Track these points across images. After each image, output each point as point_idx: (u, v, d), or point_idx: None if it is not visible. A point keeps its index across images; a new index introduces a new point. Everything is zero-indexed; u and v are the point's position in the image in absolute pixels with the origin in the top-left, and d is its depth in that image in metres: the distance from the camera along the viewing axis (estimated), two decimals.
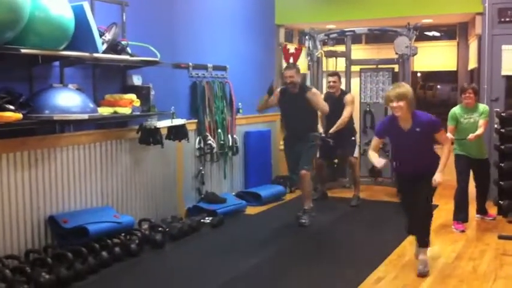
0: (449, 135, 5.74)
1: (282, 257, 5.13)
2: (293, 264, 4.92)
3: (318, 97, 6.17)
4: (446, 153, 4.56)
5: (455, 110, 5.92)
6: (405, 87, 4.52)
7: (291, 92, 6.08)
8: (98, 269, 4.53)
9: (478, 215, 6.31)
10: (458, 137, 5.85)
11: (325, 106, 6.14)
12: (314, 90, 6.27)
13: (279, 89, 6.29)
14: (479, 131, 5.74)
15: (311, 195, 6.28)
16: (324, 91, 8.13)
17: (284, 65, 8.77)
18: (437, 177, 4.49)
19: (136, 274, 4.60)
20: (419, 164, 4.59)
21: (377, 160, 4.66)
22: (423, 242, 4.68)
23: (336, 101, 7.02)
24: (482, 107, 5.92)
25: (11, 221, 4.40)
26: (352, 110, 7.09)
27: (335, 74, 7.30)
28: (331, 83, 7.13)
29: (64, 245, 4.59)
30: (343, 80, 8.32)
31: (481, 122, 5.78)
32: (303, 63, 8.85)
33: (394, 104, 4.42)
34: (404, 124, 4.54)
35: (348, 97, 7.12)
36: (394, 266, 4.78)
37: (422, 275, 4.51)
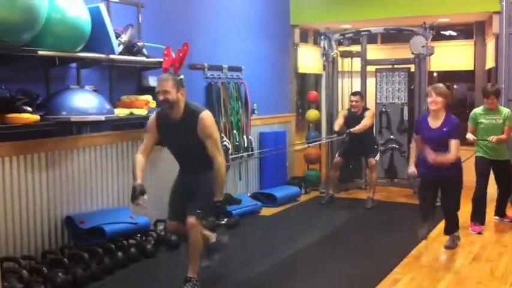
0: (470, 135, 5.79)
1: (298, 257, 5.13)
2: (309, 265, 4.92)
3: (211, 130, 4.02)
4: (449, 156, 4.88)
5: (477, 110, 5.98)
6: (445, 89, 5.03)
7: (171, 117, 4.04)
8: (114, 270, 4.56)
9: (496, 217, 6.26)
10: (478, 137, 5.85)
11: (219, 152, 4.04)
12: (208, 115, 4.05)
13: (154, 114, 4.25)
14: (503, 136, 5.78)
15: (198, 258, 4.23)
16: (340, 93, 8.17)
17: (300, 65, 8.80)
18: (432, 156, 4.86)
19: (152, 275, 4.62)
20: (442, 166, 4.90)
21: (410, 168, 5.27)
22: (449, 232, 5.32)
23: (356, 118, 7.10)
24: (506, 111, 5.92)
25: (28, 221, 4.44)
26: (370, 123, 7.10)
27: (357, 93, 7.36)
28: (354, 103, 7.17)
29: (81, 246, 4.62)
30: (358, 80, 8.33)
31: (506, 128, 5.81)
32: (317, 63, 8.84)
33: (432, 98, 4.92)
34: (433, 122, 5.00)
35: (368, 112, 7.18)
36: (410, 268, 4.74)
37: (449, 247, 5.25)
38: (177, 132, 4.06)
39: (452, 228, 5.32)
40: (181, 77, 4.11)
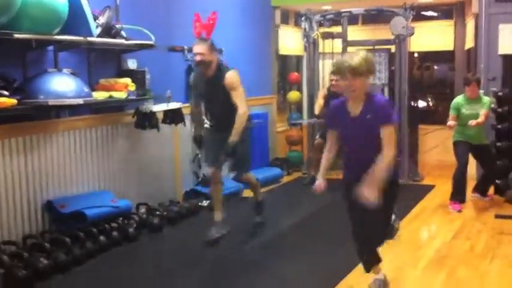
0: (451, 122, 5.80)
1: (278, 240, 5.15)
2: (289, 247, 4.94)
3: (235, 85, 4.81)
4: (385, 162, 3.27)
5: (458, 99, 6.01)
6: (365, 57, 3.32)
7: (205, 75, 4.87)
8: (96, 254, 4.55)
9: (476, 194, 6.32)
10: (460, 124, 5.90)
11: (242, 104, 4.79)
12: (232, 74, 4.85)
13: (192, 74, 5.23)
14: (480, 119, 5.80)
15: (259, 192, 5.47)
16: (321, 74, 8.15)
17: (281, 47, 8.77)
18: (367, 192, 3.27)
19: (134, 258, 4.62)
20: (368, 170, 3.32)
21: (318, 181, 3.69)
22: (369, 267, 3.70)
23: (337, 98, 7.01)
24: (487, 99, 6.00)
25: (8, 206, 4.40)
26: None
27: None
28: (334, 82, 6.92)
29: (62, 230, 4.59)
30: None
31: (483, 111, 5.85)
32: (298, 44, 8.82)
33: (348, 82, 3.33)
34: (353, 108, 3.42)
35: None
36: (391, 247, 4.75)
37: None
38: (209, 87, 4.87)
39: (371, 263, 3.68)
40: (212, 41, 4.88)
